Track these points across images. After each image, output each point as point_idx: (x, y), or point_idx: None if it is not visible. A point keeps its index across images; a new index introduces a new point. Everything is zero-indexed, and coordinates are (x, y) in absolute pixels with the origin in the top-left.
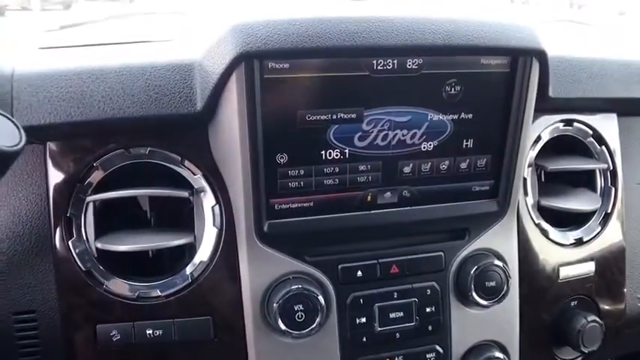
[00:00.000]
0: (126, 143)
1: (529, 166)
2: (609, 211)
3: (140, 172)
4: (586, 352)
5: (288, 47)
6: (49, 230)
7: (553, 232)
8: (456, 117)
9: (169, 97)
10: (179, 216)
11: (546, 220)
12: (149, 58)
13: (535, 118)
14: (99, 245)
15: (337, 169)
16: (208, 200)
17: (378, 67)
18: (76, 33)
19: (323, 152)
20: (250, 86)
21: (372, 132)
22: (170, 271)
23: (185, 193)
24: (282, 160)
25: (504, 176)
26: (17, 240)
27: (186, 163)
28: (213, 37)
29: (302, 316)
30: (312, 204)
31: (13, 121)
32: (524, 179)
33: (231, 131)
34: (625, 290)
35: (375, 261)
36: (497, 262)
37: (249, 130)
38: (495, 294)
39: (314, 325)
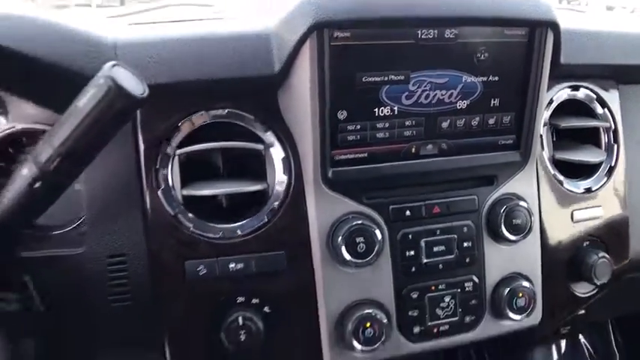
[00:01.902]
0: (207, 105)
1: (544, 125)
2: (613, 164)
3: (216, 132)
4: (598, 284)
5: (353, 18)
6: (139, 182)
7: (566, 182)
8: (485, 79)
9: (251, 61)
10: (251, 168)
11: (560, 172)
12: (229, 29)
13: (548, 84)
14: (184, 192)
15: (387, 125)
16: (278, 153)
17: (422, 37)
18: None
19: (376, 109)
20: (320, 53)
21: (416, 92)
22: (246, 215)
23: (260, 146)
24: (342, 117)
25: (525, 131)
26: (110, 192)
27: (259, 122)
28: (287, 9)
29: (363, 247)
30: (366, 155)
31: (135, 75)
32: (541, 136)
33: (302, 92)
34: (629, 232)
35: (421, 202)
36: (521, 203)
37: (319, 91)
38: (521, 230)
39: (372, 255)
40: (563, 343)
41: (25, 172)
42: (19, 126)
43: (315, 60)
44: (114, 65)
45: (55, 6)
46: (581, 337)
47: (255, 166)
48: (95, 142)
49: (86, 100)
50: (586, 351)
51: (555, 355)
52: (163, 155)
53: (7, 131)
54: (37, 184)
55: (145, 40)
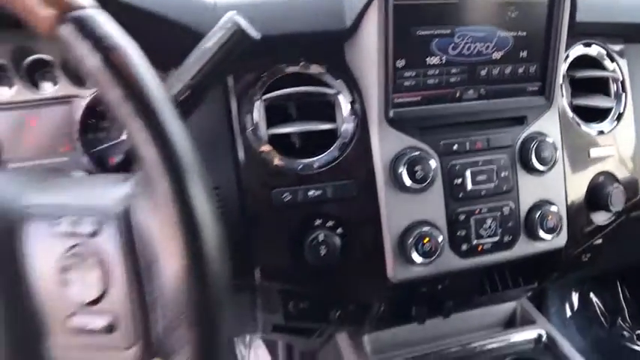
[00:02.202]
0: (286, 58)
1: (563, 76)
2: (622, 110)
3: (290, 82)
4: (613, 210)
5: None
6: (229, 124)
7: (583, 125)
8: (515, 34)
9: (325, 18)
10: (320, 113)
11: (578, 117)
12: None
13: (566, 41)
14: (270, 132)
15: (437, 72)
16: (346, 98)
17: None
18: None
19: (427, 59)
20: (386, 11)
21: (460, 44)
22: (316, 152)
23: (332, 91)
24: (400, 65)
25: (548, 79)
26: (205, 134)
27: (329, 72)
28: None
29: (420, 174)
30: (419, 98)
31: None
32: (561, 85)
33: (368, 45)
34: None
35: (465, 138)
36: (547, 139)
37: (384, 44)
38: (548, 162)
39: (428, 181)
40: (575, 299)
41: (174, 90)
42: None
43: (381, 17)
44: (235, 14)
45: None
46: (591, 294)
47: (323, 111)
48: (216, 78)
49: (215, 40)
50: (596, 306)
51: (569, 311)
52: (251, 101)
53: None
54: (183, 98)
55: (239, 0)
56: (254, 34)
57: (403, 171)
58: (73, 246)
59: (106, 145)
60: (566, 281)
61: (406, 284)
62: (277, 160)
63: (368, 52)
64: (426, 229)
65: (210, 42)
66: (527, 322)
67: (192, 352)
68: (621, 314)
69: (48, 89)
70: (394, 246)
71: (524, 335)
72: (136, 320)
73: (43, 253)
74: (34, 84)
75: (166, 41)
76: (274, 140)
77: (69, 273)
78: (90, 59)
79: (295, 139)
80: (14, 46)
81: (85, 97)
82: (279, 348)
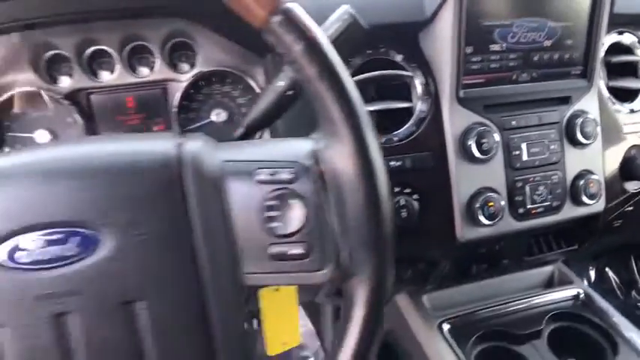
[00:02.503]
0: (370, 46)
1: (600, 61)
2: None
3: (370, 68)
4: None
5: None
6: None
7: (617, 104)
8: (563, 24)
9: (407, 10)
10: (395, 95)
11: (613, 97)
12: None
13: None
14: None
15: (498, 57)
16: (420, 80)
17: None
18: None
19: (490, 46)
20: (461, 3)
21: (517, 33)
22: (394, 127)
23: (409, 74)
24: (469, 51)
25: (590, 64)
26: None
27: (405, 57)
28: None
29: (486, 146)
30: (483, 80)
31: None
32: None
33: (442, 33)
34: None
35: (521, 115)
36: (589, 116)
37: (458, 32)
38: (590, 136)
39: (492, 152)
40: (592, 273)
41: (282, 83)
42: (206, 69)
43: (456, 10)
44: (349, 7)
45: None
46: (607, 268)
47: (399, 92)
48: None
49: (333, 30)
50: (612, 279)
51: (586, 283)
52: None
53: (197, 73)
54: (289, 92)
55: None
56: (365, 25)
57: (472, 143)
58: (275, 190)
59: (197, 125)
60: (586, 255)
61: (470, 244)
62: None
63: (442, 40)
64: (490, 194)
65: (329, 32)
66: (565, 282)
67: (370, 273)
68: (635, 287)
69: (145, 73)
70: (462, 210)
71: (563, 294)
72: (327, 247)
73: (245, 196)
74: (133, 69)
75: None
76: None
77: (271, 211)
78: (295, 46)
79: (374, 117)
80: (122, 35)
81: (181, 81)
82: (324, 313)
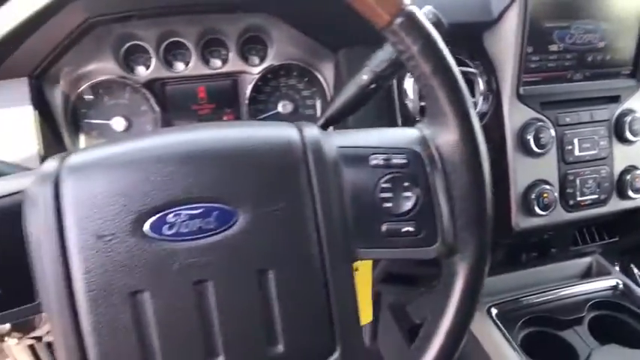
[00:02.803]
0: None
1: None
2: None
3: None
4: None
5: None
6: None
7: None
8: (615, 27)
9: (474, 10)
10: None
11: None
12: None
13: None
14: (421, 103)
15: (555, 57)
16: (483, 77)
17: None
18: None
19: (549, 46)
20: (526, 6)
21: (575, 34)
22: None
23: (473, 71)
24: (529, 50)
25: (639, 65)
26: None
27: (470, 56)
28: None
29: (544, 141)
30: (540, 78)
31: None
32: None
33: (507, 33)
34: None
35: (574, 112)
36: (637, 114)
37: (522, 32)
38: (638, 133)
39: (547, 146)
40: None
41: (365, 77)
42: (277, 63)
43: (522, 12)
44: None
45: None
46: (632, 265)
47: None
48: None
49: None
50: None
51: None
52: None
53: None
54: (372, 86)
55: None
56: (446, 25)
57: (530, 138)
58: (389, 173)
59: (265, 115)
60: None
61: (523, 233)
62: None
63: (506, 39)
64: (544, 186)
65: None
66: (603, 273)
67: (473, 252)
68: None
69: (217, 65)
70: (519, 200)
71: (602, 284)
72: (435, 226)
73: (361, 179)
74: (206, 61)
75: (336, 20)
76: (423, 110)
77: (385, 193)
78: (413, 45)
79: None
80: (201, 29)
81: (252, 73)
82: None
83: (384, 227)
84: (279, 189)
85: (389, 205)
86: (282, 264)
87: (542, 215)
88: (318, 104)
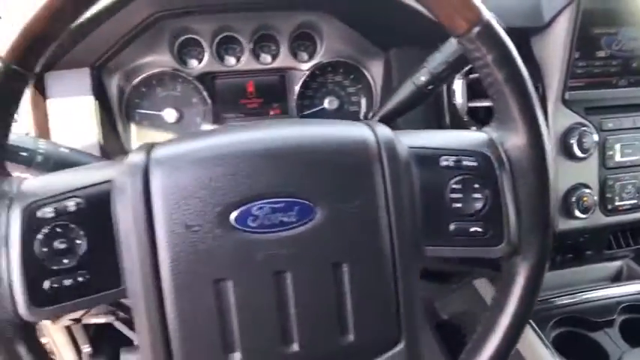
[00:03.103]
0: None
1: None
2: None
3: None
4: None
5: None
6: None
7: None
8: None
9: (525, 15)
10: None
11: None
12: None
13: None
14: (469, 105)
15: (601, 63)
16: None
17: None
18: None
19: (596, 52)
20: (577, 13)
21: (621, 41)
22: None
23: None
24: (576, 56)
25: None
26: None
27: None
28: None
29: (587, 146)
30: (584, 83)
31: None
32: None
33: (556, 39)
34: None
35: (618, 118)
36: None
37: (571, 38)
38: None
39: (590, 151)
40: None
41: (423, 78)
42: (326, 60)
43: (571, 18)
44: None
45: None
46: None
47: None
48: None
49: None
50: None
51: None
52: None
53: (317, 63)
54: (429, 87)
55: None
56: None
57: (574, 142)
58: (459, 175)
59: (312, 111)
60: None
61: (561, 235)
62: (472, 127)
63: (554, 44)
64: (584, 190)
65: None
66: (633, 277)
67: (535, 253)
68: None
69: (268, 61)
70: (558, 202)
71: (633, 288)
72: (504, 225)
73: (431, 179)
74: (257, 56)
75: (395, 23)
76: (471, 111)
77: (455, 194)
78: (488, 54)
79: (483, 112)
80: (256, 25)
81: (300, 69)
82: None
83: (452, 226)
84: (356, 187)
85: (458, 205)
86: (356, 258)
87: (581, 218)
88: (363, 101)
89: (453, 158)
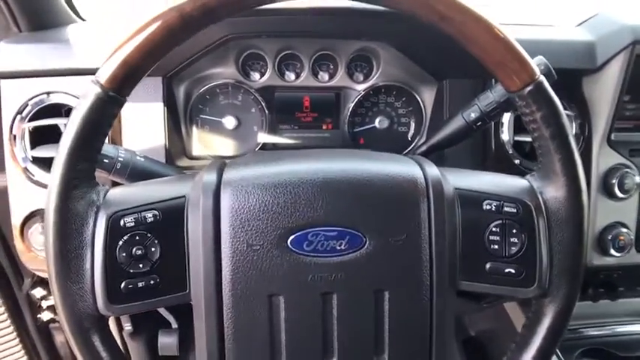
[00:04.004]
0: None
1: None
2: None
3: None
4: None
5: None
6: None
7: None
8: None
9: (579, 57)
10: None
11: None
12: (564, 35)
13: None
14: (515, 138)
15: None
16: (576, 120)
17: None
18: None
19: None
20: (630, 57)
21: None
22: None
23: (571, 113)
24: (626, 98)
25: None
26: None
27: (567, 98)
28: (608, 29)
29: (628, 187)
30: (632, 125)
31: None
32: None
33: (608, 81)
34: None
35: None
36: None
37: (622, 81)
38: None
39: (630, 193)
40: None
41: (473, 115)
42: (381, 82)
43: (625, 62)
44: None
45: None
46: None
47: None
48: None
49: None
50: None
51: None
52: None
53: (372, 85)
54: (478, 124)
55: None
56: (555, 76)
57: (615, 182)
58: (499, 219)
59: (363, 128)
60: None
61: (592, 270)
62: (517, 160)
63: (605, 86)
64: (621, 229)
65: None
66: None
67: (563, 297)
68: None
69: (325, 79)
70: (594, 239)
71: None
72: (536, 269)
73: (472, 220)
74: (315, 74)
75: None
76: (517, 144)
77: (494, 236)
78: (538, 111)
79: (527, 147)
80: (317, 47)
81: (355, 89)
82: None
83: (488, 265)
84: (403, 222)
85: (495, 247)
86: (397, 287)
87: (616, 256)
88: (413, 123)
89: (495, 203)
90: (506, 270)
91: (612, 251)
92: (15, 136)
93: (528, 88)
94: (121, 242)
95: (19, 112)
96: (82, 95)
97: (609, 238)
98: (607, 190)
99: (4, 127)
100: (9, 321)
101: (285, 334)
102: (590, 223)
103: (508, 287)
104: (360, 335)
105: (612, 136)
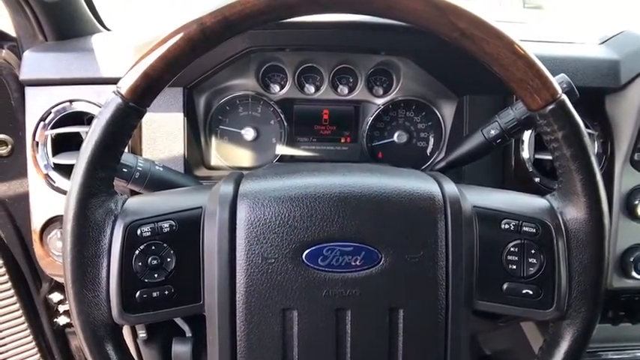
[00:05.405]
0: None
1: None
2: None
3: None
4: None
5: None
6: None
7: None
8: None
9: (604, 76)
10: None
11: None
12: (586, 53)
13: None
14: (536, 156)
15: None
16: (598, 139)
17: None
18: None
19: None
20: None
21: None
22: None
23: (591, 131)
24: None
25: None
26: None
27: (589, 116)
28: (634, 47)
29: None
30: None
31: None
32: None
33: (631, 101)
34: None
35: None
36: None
37: None
38: None
39: None
40: None
41: (493, 132)
42: (401, 97)
43: None
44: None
45: None
46: None
47: None
48: None
49: None
50: None
51: None
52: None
53: (392, 99)
54: (498, 141)
55: None
56: (577, 94)
57: (638, 203)
58: (518, 239)
59: (381, 142)
60: None
61: (613, 292)
62: (537, 179)
63: (628, 105)
64: None
65: None
66: None
67: (582, 320)
68: None
69: (344, 92)
70: (616, 261)
71: None
72: (555, 291)
73: (491, 239)
74: (335, 87)
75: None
76: (537, 161)
77: (512, 256)
78: (559, 131)
79: (548, 165)
80: (337, 61)
81: (374, 103)
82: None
83: (505, 285)
84: (420, 239)
85: (513, 267)
86: (412, 305)
87: (637, 278)
88: (432, 138)
89: (514, 222)
90: (524, 291)
91: (634, 273)
92: (37, 143)
93: (550, 107)
94: (137, 251)
95: (43, 119)
96: (103, 105)
97: (631, 260)
98: (629, 211)
99: (27, 133)
100: (26, 324)
101: (298, 348)
102: (612, 244)
103: (525, 308)
104: (374, 353)
105: (635, 156)
